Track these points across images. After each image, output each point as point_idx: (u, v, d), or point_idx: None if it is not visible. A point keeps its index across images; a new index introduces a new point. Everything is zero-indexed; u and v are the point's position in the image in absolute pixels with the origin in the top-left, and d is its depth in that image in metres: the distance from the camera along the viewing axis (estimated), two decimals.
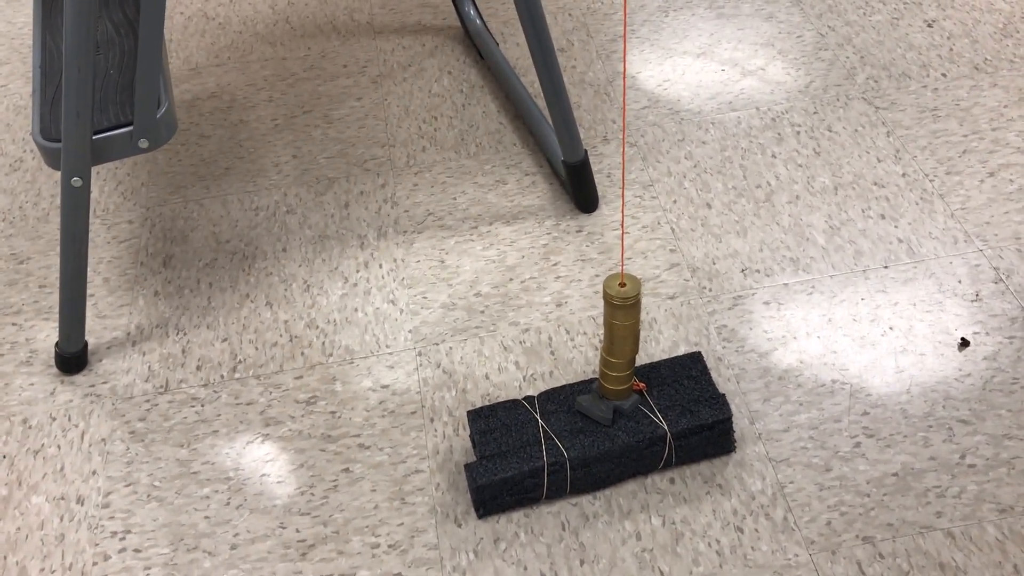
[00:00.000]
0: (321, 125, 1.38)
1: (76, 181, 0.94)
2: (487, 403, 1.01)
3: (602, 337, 0.98)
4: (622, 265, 0.87)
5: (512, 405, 0.94)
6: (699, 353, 0.98)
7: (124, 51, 1.08)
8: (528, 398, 0.95)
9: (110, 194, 1.30)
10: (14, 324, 1.14)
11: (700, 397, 0.93)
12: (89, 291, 1.17)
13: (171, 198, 1.29)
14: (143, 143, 0.97)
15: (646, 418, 0.92)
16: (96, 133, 0.95)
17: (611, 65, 1.42)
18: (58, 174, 1.27)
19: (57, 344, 1.07)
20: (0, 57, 1.56)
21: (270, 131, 1.38)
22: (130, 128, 0.96)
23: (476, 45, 1.45)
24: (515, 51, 1.47)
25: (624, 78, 1.24)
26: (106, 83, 1.03)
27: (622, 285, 0.85)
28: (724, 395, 0.94)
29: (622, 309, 0.85)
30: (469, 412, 0.94)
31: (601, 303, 1.09)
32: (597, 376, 0.97)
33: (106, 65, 1.05)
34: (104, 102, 1.00)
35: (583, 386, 0.96)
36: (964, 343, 1.03)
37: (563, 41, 1.48)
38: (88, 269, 1.19)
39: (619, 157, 1.24)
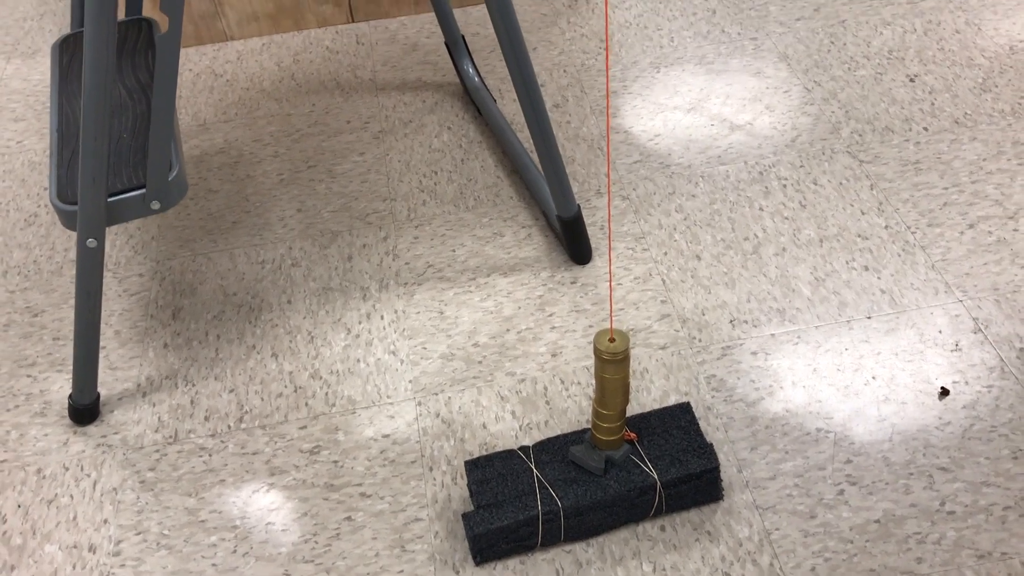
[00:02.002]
0: (325, 179, 1.43)
1: (91, 242, 0.99)
2: (484, 452, 1.05)
3: (594, 388, 1.02)
4: (611, 321, 0.91)
5: (508, 455, 0.98)
6: (688, 404, 1.02)
7: (136, 115, 1.13)
8: (523, 448, 0.99)
9: (121, 248, 1.35)
10: (29, 376, 1.19)
11: (689, 447, 0.97)
12: (100, 343, 1.21)
13: (180, 252, 1.33)
14: (155, 205, 1.01)
15: (637, 468, 0.95)
16: (110, 196, 1.00)
17: (605, 120, 1.48)
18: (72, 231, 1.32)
19: (70, 396, 1.11)
20: (16, 114, 1.62)
21: (276, 185, 1.43)
22: (143, 191, 1.01)
23: (474, 102, 1.51)
24: (512, 107, 1.52)
25: (608, 144, 1.29)
26: (119, 147, 1.08)
27: (611, 340, 0.89)
28: (712, 445, 0.97)
29: (612, 364, 0.89)
30: (467, 462, 0.98)
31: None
32: (590, 426, 1.00)
33: (119, 129, 1.10)
34: (118, 165, 1.05)
35: (576, 436, 0.99)
36: (944, 392, 1.06)
37: (558, 97, 1.53)
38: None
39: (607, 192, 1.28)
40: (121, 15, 1.61)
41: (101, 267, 1.01)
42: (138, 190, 1.01)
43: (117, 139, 1.09)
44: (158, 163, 0.99)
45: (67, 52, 1.23)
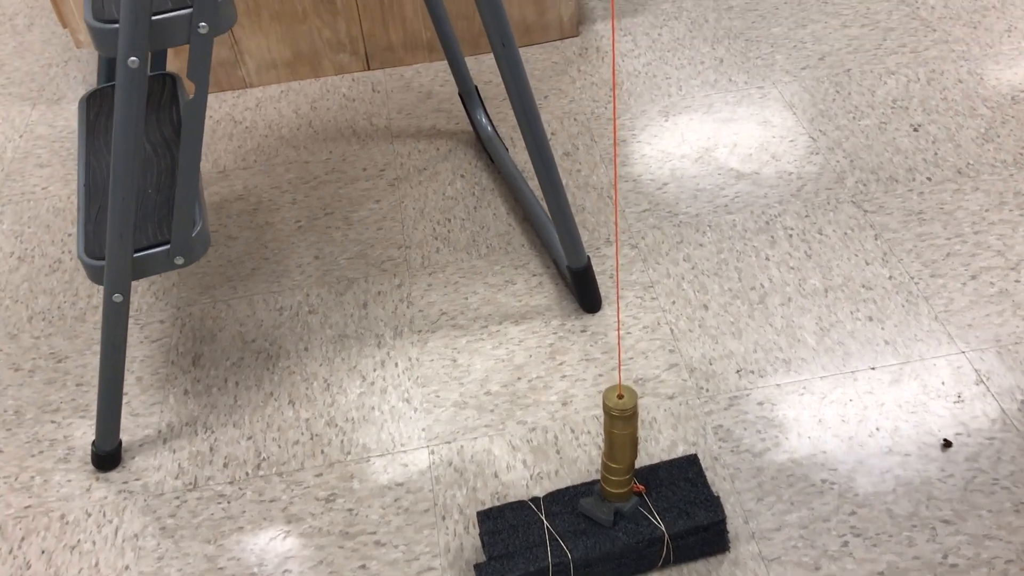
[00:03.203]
0: (342, 227, 1.46)
1: (117, 297, 1.02)
2: (496, 502, 1.07)
3: (604, 441, 1.04)
4: (619, 377, 0.94)
5: (519, 506, 1.00)
6: (695, 456, 1.04)
7: (161, 170, 1.17)
8: (534, 499, 1.01)
9: (143, 294, 1.39)
10: (53, 422, 1.22)
11: (696, 499, 0.99)
12: (123, 389, 1.25)
13: (200, 298, 1.37)
14: (179, 260, 1.05)
15: (645, 520, 0.98)
16: (136, 251, 1.04)
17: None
18: None
19: (93, 443, 1.14)
20: (41, 160, 1.67)
21: (294, 232, 1.46)
22: (167, 247, 1.05)
23: (487, 150, 1.54)
24: (523, 155, 1.56)
25: (615, 204, 1.32)
26: (144, 202, 1.12)
27: (620, 397, 0.92)
28: (719, 497, 1.00)
29: (621, 420, 0.92)
30: (479, 512, 1.01)
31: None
32: (599, 478, 1.03)
33: (145, 185, 1.14)
34: (143, 220, 1.09)
35: (586, 488, 1.02)
36: (947, 444, 1.08)
37: (568, 145, 1.57)
38: None
39: (615, 245, 1.31)
40: None
41: (126, 321, 1.05)
42: (163, 246, 1.05)
43: (142, 194, 1.13)
44: (183, 220, 1.03)
45: (94, 107, 1.27)
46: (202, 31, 0.91)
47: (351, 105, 1.71)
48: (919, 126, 1.53)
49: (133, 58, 0.88)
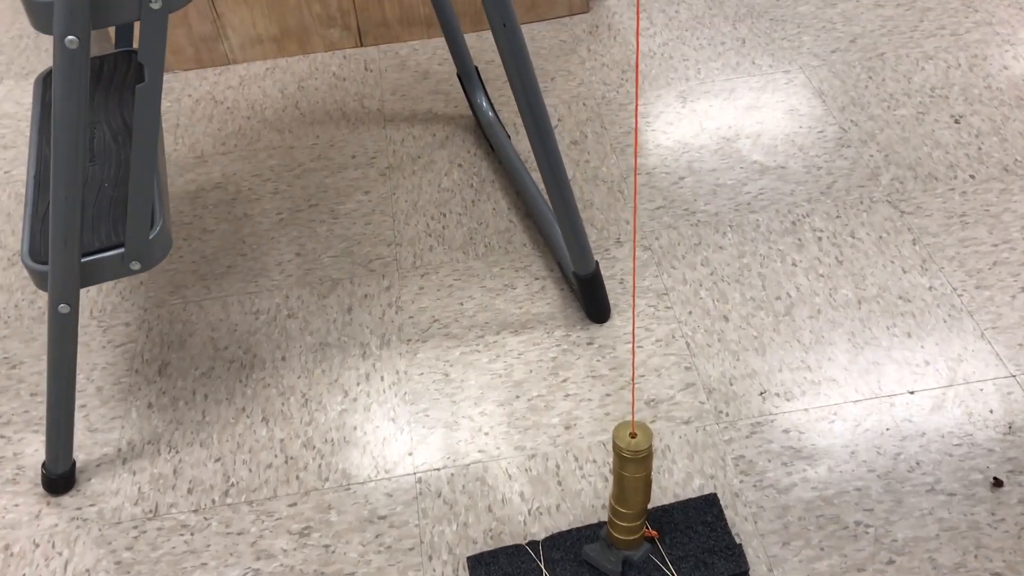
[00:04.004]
0: (327, 220, 1.34)
1: (64, 308, 0.90)
2: (489, 540, 0.96)
3: (611, 472, 0.93)
4: (632, 412, 0.82)
5: (515, 551, 0.89)
6: (715, 496, 0.92)
7: (120, 161, 1.04)
8: (532, 543, 0.90)
9: (108, 293, 1.27)
10: (2, 436, 1.11)
11: (715, 547, 0.88)
12: (81, 400, 1.13)
13: (170, 299, 1.25)
14: (135, 266, 0.93)
15: (658, 570, 0.86)
16: (85, 255, 0.92)
17: (625, 159, 1.38)
18: None
19: (44, 464, 1.03)
20: (6, 140, 1.54)
21: (274, 226, 1.34)
22: (121, 250, 0.92)
23: (487, 137, 1.42)
24: (527, 144, 1.43)
25: (634, 213, 1.19)
26: (100, 197, 0.99)
27: (633, 436, 0.80)
28: (741, 545, 0.88)
29: (633, 462, 0.80)
30: (469, 558, 0.89)
31: (612, 427, 1.04)
32: (605, 520, 0.91)
33: (101, 177, 1.02)
34: (96, 219, 0.96)
35: (590, 531, 0.90)
36: (997, 483, 0.97)
37: (576, 133, 1.44)
38: (81, 376, 1.16)
39: (632, 262, 1.19)
40: (111, 47, 1.53)
41: (75, 333, 0.93)
42: (116, 249, 0.93)
43: (98, 189, 1.01)
44: (138, 220, 0.91)
45: (50, 88, 1.14)
46: (155, 6, 0.78)
47: (341, 85, 1.58)
48: (960, 117, 1.40)
49: (71, 37, 0.76)
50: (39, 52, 1.74)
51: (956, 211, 1.26)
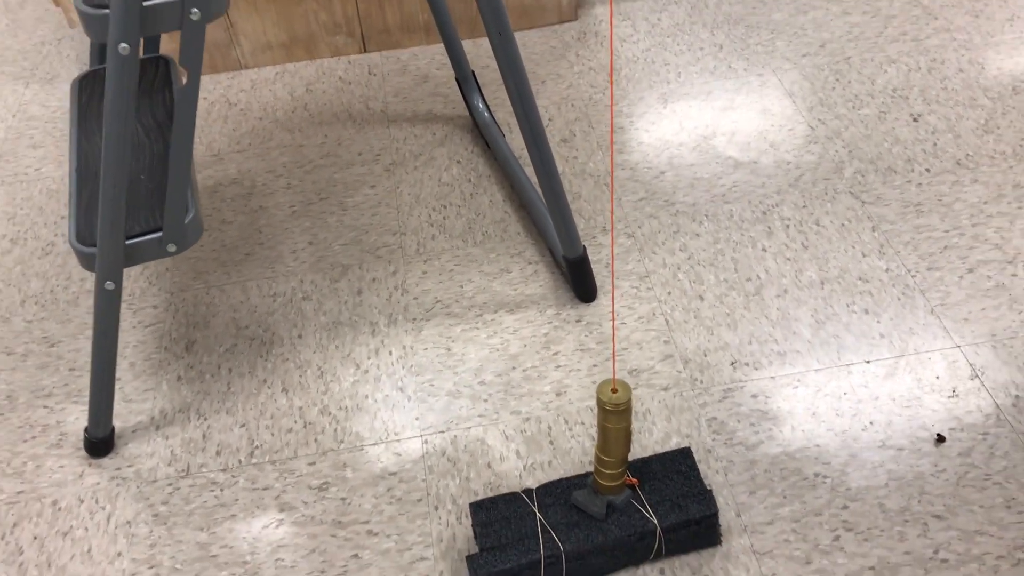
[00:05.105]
0: (336, 212, 1.46)
1: (109, 285, 1.01)
2: (489, 492, 1.07)
3: (597, 431, 1.04)
4: (614, 372, 0.93)
5: (512, 498, 1.00)
6: (688, 449, 1.04)
7: (153, 155, 1.16)
8: (527, 491, 1.01)
9: (136, 279, 1.38)
10: (45, 407, 1.22)
11: (689, 492, 0.99)
12: (116, 375, 1.24)
13: (194, 284, 1.36)
14: (171, 248, 1.04)
15: (637, 512, 0.98)
16: (127, 239, 1.03)
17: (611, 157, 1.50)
18: None
19: (86, 429, 1.14)
20: (35, 140, 1.65)
21: (288, 217, 1.45)
22: (159, 234, 1.04)
23: (484, 136, 1.53)
24: (520, 141, 1.55)
25: (611, 206, 1.31)
26: (137, 188, 1.11)
27: (614, 391, 0.91)
28: (711, 490, 1.00)
29: (614, 414, 0.91)
30: (471, 504, 1.00)
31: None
32: (592, 471, 1.03)
33: (137, 170, 1.13)
34: (135, 207, 1.08)
35: (579, 480, 1.02)
36: (940, 439, 1.08)
37: (566, 131, 1.56)
38: None
39: (610, 247, 1.31)
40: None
41: (118, 308, 1.04)
42: (155, 233, 1.04)
43: (134, 180, 1.12)
44: (175, 208, 1.02)
45: (86, 90, 1.26)
46: (194, 17, 0.89)
47: (347, 88, 1.70)
48: (919, 116, 1.52)
49: (124, 44, 0.87)
50: (61, 58, 1.85)
51: (912, 201, 1.38)
